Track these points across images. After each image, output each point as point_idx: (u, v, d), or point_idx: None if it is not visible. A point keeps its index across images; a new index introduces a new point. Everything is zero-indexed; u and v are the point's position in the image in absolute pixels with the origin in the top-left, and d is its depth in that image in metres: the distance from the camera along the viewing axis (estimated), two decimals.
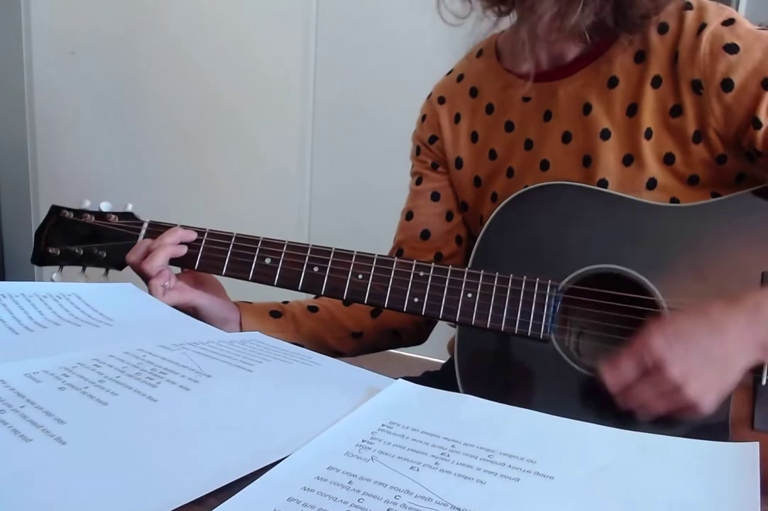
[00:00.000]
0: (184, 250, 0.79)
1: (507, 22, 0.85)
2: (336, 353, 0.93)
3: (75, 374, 0.48)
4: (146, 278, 0.78)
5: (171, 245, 0.78)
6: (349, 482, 0.37)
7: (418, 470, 0.39)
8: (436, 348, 1.08)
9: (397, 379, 0.53)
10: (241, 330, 0.86)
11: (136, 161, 1.97)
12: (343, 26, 1.99)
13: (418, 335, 0.97)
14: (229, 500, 0.35)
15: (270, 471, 0.38)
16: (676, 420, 0.63)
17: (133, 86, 1.95)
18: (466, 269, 0.74)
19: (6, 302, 0.64)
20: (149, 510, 0.34)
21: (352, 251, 0.76)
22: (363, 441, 0.42)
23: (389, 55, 1.94)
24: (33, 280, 1.87)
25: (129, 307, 0.70)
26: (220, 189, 2.05)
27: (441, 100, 0.91)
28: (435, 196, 0.92)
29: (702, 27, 0.72)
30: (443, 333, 0.98)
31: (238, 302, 0.88)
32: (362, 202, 2.06)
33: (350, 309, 0.90)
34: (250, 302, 0.89)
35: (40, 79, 1.79)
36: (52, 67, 1.80)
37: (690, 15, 0.73)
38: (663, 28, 0.75)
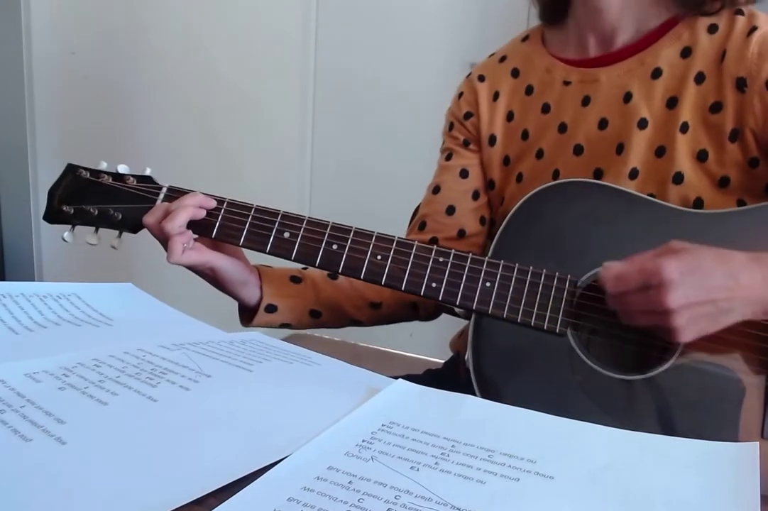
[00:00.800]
0: (203, 213, 0.77)
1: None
2: (354, 322, 0.93)
3: (75, 374, 0.48)
4: (165, 238, 0.76)
5: (192, 207, 0.76)
6: (349, 482, 0.37)
7: (418, 470, 0.39)
8: (436, 348, 1.07)
9: (397, 379, 0.53)
10: (261, 293, 0.85)
11: (137, 161, 1.97)
12: (343, 15, 1.99)
13: (434, 311, 0.97)
14: (229, 500, 0.35)
15: (270, 471, 0.38)
16: (687, 429, 0.63)
17: (133, 87, 1.95)
18: (486, 258, 0.74)
19: (6, 302, 0.64)
20: (149, 510, 0.34)
21: (373, 232, 0.76)
22: (363, 441, 0.42)
23: (392, 32, 1.94)
24: (33, 280, 1.87)
25: (129, 307, 0.70)
26: (221, 187, 2.05)
27: (481, 78, 0.92)
28: (464, 174, 0.92)
29: (753, 29, 0.74)
30: (444, 333, 0.98)
31: (258, 266, 0.87)
32: (362, 186, 2.06)
33: None
34: (270, 266, 0.88)
35: (40, 79, 1.79)
36: (52, 67, 1.80)
37: (741, 19, 0.75)
38: (713, 29, 0.76)
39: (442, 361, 1.00)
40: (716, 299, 0.60)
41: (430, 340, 1.01)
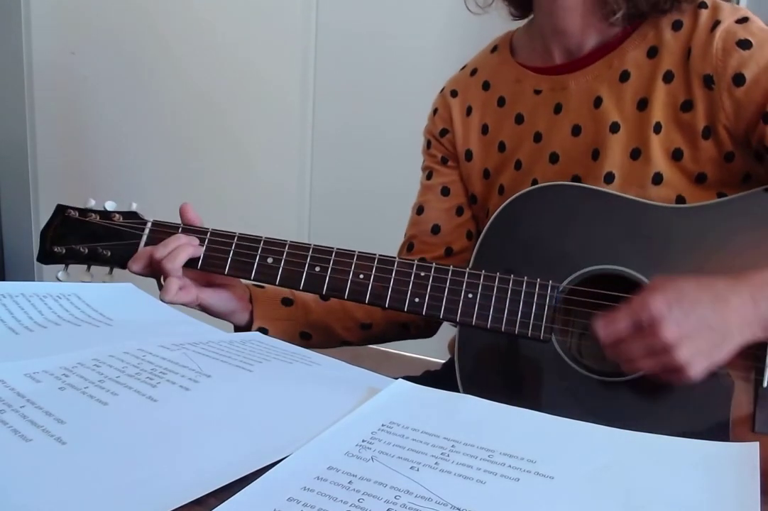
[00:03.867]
0: (201, 251, 0.79)
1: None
2: (344, 343, 0.94)
3: (75, 374, 0.48)
4: (158, 276, 0.78)
5: (191, 246, 0.78)
6: (349, 482, 0.37)
7: (418, 470, 0.39)
8: (436, 348, 1.07)
9: (397, 379, 0.53)
10: (251, 318, 0.86)
11: (137, 161, 1.96)
12: (343, 17, 2.00)
13: (426, 329, 0.97)
14: (229, 500, 0.35)
15: (270, 471, 0.38)
16: (680, 423, 0.63)
17: (133, 86, 1.95)
18: (467, 269, 0.74)
19: (6, 302, 0.64)
20: (149, 510, 0.34)
21: (354, 251, 0.77)
22: (363, 441, 0.42)
23: (390, 57, 1.95)
24: (33, 280, 1.87)
25: (129, 307, 0.70)
26: (220, 187, 2.05)
27: (453, 94, 0.92)
28: (445, 191, 0.92)
29: (716, 24, 0.73)
30: (444, 333, 0.98)
31: (251, 287, 0.88)
32: (362, 199, 2.07)
33: None
34: (263, 286, 0.89)
35: (40, 79, 1.79)
36: (52, 67, 1.80)
37: (704, 13, 0.74)
38: (677, 25, 0.76)
39: (442, 361, 1.00)
40: (711, 324, 0.59)
41: (430, 340, 1.01)
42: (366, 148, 2.05)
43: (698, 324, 0.59)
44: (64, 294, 0.69)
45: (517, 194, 0.77)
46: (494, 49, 0.92)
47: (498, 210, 0.78)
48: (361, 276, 0.76)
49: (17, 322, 0.60)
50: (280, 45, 2.05)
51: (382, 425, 0.45)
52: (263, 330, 0.87)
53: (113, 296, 0.71)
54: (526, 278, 0.72)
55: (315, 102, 2.10)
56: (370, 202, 2.06)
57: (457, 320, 0.73)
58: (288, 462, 0.39)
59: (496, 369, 0.75)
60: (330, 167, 2.13)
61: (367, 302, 0.76)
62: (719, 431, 0.66)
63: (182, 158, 2.03)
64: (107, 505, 0.34)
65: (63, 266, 0.84)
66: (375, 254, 0.76)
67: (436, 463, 0.40)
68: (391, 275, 0.75)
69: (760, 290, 0.61)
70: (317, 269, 0.77)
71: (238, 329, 0.89)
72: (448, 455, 0.41)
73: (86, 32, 1.86)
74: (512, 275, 0.73)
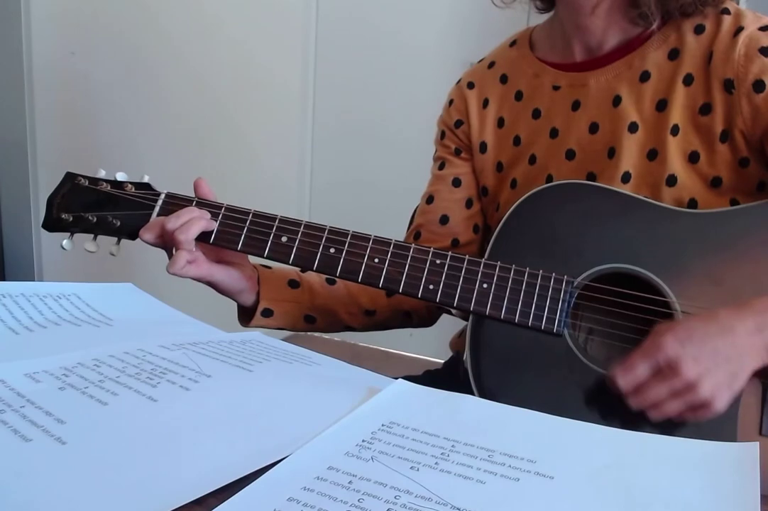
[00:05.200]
0: (214, 225, 0.77)
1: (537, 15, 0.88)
2: (347, 328, 0.93)
3: (75, 374, 0.48)
4: (169, 247, 0.76)
5: (204, 219, 0.76)
6: (349, 482, 0.37)
7: (418, 470, 0.39)
8: (436, 348, 1.07)
9: (397, 379, 0.53)
10: (258, 298, 0.85)
11: (138, 160, 1.96)
12: (343, 9, 2.00)
13: (428, 318, 0.97)
14: (229, 500, 0.35)
15: (270, 471, 0.38)
16: (687, 424, 0.63)
17: (134, 86, 1.95)
18: (483, 259, 0.74)
19: (6, 302, 0.64)
20: (149, 510, 0.34)
21: (370, 235, 0.76)
22: (363, 441, 0.42)
23: (390, 51, 1.95)
24: (33, 280, 1.87)
25: (129, 307, 0.70)
26: (221, 181, 2.05)
27: (470, 85, 0.92)
28: (456, 183, 0.92)
29: (739, 30, 0.73)
30: (444, 333, 0.98)
31: (259, 267, 0.87)
32: (361, 193, 2.07)
33: (367, 286, 0.90)
34: (270, 267, 0.88)
35: (40, 79, 1.79)
36: (52, 67, 1.80)
37: (728, 19, 0.75)
38: (699, 29, 0.76)
39: (442, 361, 1.00)
40: (725, 355, 0.60)
41: (430, 340, 1.01)
42: (366, 142, 2.05)
43: (714, 356, 0.60)
44: (64, 294, 0.69)
45: (533, 190, 0.77)
46: (513, 43, 0.92)
47: (514, 205, 0.77)
48: (376, 260, 0.75)
49: (17, 322, 0.60)
50: (281, 38, 2.04)
51: (382, 425, 0.45)
52: (268, 311, 0.86)
53: (113, 296, 0.72)
54: (541, 271, 0.72)
55: (315, 95, 2.10)
56: (369, 195, 2.05)
57: (471, 309, 0.73)
58: (288, 462, 0.39)
59: (509, 363, 0.75)
60: (330, 161, 2.13)
61: (380, 286, 0.75)
62: (727, 435, 0.66)
63: (183, 155, 2.03)
64: (107, 505, 0.34)
65: (68, 234, 0.81)
66: (391, 239, 0.76)
67: (436, 463, 0.40)
68: (407, 260, 0.75)
69: (762, 316, 0.62)
70: (332, 250, 0.76)
71: (242, 309, 0.88)
72: (448, 455, 0.41)
73: (86, 32, 1.86)
74: (528, 268, 0.73)
